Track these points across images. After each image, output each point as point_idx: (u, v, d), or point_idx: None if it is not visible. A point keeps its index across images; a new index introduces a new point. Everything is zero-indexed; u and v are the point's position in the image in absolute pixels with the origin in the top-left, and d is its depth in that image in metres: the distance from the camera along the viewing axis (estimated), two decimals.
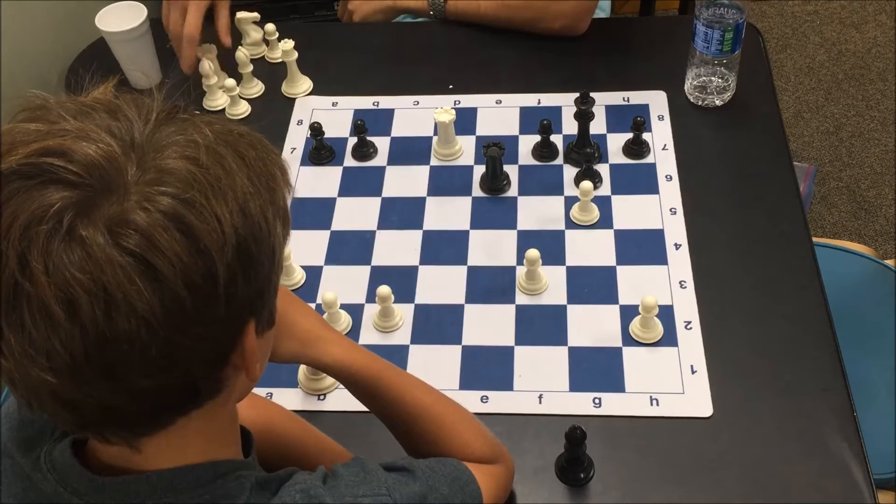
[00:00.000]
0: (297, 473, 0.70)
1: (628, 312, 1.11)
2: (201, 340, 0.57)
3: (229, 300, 0.57)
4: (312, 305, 1.14)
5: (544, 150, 1.31)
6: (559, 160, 1.31)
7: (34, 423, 0.69)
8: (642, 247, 1.18)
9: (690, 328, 1.09)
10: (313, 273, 1.19)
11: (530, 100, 1.41)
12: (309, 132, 1.34)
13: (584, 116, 1.26)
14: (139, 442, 0.62)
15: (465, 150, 1.33)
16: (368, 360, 0.87)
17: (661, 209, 1.23)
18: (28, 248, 0.53)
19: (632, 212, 1.23)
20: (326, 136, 1.34)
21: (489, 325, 1.12)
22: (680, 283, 1.14)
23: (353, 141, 1.35)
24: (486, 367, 1.07)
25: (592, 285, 1.15)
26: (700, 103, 1.36)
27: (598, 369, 1.06)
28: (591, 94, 1.25)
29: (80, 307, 0.53)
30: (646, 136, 1.31)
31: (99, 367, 0.55)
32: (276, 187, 0.63)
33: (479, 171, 1.30)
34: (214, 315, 0.57)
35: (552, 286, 1.15)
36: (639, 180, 1.27)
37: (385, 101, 1.43)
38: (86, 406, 0.57)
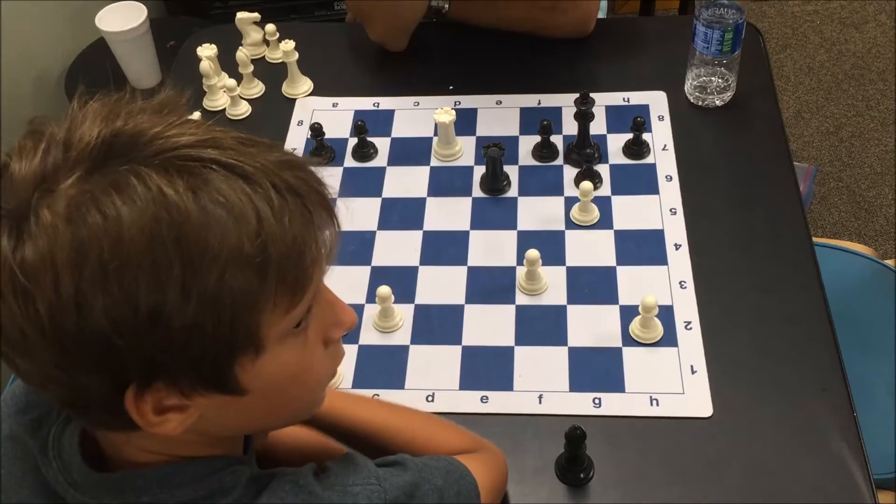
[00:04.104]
0: (287, 468, 0.70)
1: (628, 312, 1.11)
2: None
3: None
4: None
5: (544, 151, 1.31)
6: (559, 161, 1.31)
7: (40, 404, 0.70)
8: (642, 247, 1.18)
9: (690, 328, 1.09)
10: None
11: (530, 100, 1.41)
12: (309, 133, 1.34)
13: (584, 117, 1.26)
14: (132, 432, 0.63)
15: (465, 150, 1.33)
16: None
17: (661, 209, 1.23)
18: None
19: (632, 212, 1.23)
20: (327, 136, 1.34)
21: (489, 325, 1.12)
22: (680, 283, 1.14)
23: (353, 141, 1.36)
24: (486, 368, 1.07)
25: (592, 285, 1.15)
26: (700, 103, 1.36)
27: (598, 369, 1.06)
28: (591, 95, 1.26)
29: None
30: (646, 136, 1.31)
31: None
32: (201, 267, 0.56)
33: (480, 171, 1.30)
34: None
35: (552, 286, 1.15)
36: (639, 180, 1.27)
37: (385, 102, 1.43)
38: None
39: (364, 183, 1.31)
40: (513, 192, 1.27)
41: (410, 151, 1.35)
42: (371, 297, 1.14)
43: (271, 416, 0.69)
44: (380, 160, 1.34)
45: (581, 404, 1.03)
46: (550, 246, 1.19)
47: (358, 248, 1.22)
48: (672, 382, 1.04)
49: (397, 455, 0.77)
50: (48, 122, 0.59)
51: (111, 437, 0.66)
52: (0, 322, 0.56)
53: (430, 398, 1.05)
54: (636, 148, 1.30)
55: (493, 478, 0.87)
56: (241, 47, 1.48)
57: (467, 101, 1.41)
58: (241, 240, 0.56)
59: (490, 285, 1.16)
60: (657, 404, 1.02)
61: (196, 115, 1.42)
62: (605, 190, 1.26)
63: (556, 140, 1.32)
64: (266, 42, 1.52)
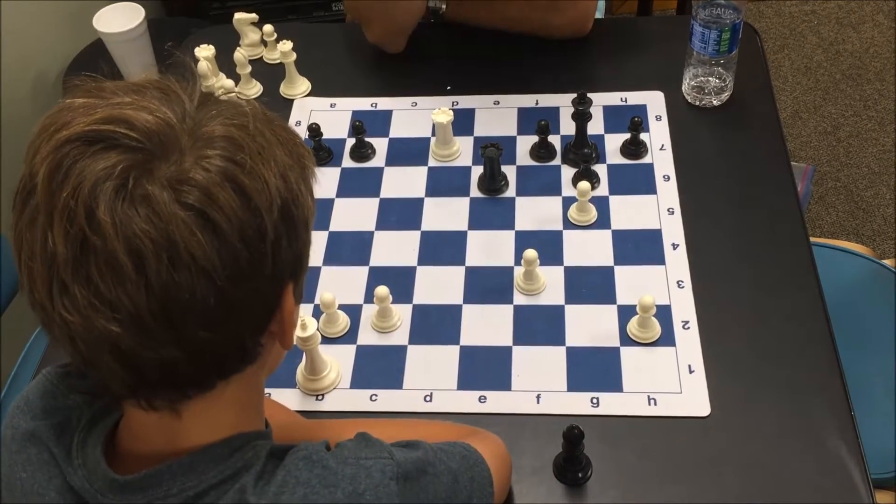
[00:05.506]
0: (300, 444, 0.72)
1: (626, 312, 1.11)
2: (252, 295, 0.62)
3: (275, 259, 0.62)
4: (311, 306, 1.14)
5: (542, 151, 1.31)
6: (557, 161, 1.31)
7: (58, 409, 0.71)
8: (640, 247, 1.18)
9: (688, 328, 1.09)
10: (311, 274, 1.19)
11: (528, 100, 1.41)
12: (307, 133, 1.34)
13: (581, 117, 1.26)
14: (182, 405, 0.64)
15: (463, 150, 1.34)
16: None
17: (659, 209, 1.23)
18: (96, 204, 0.56)
19: (629, 212, 1.23)
20: (325, 137, 1.34)
21: (487, 325, 1.12)
22: (678, 282, 1.14)
23: (351, 142, 1.36)
24: (484, 367, 1.07)
25: (590, 285, 1.15)
26: (697, 103, 1.37)
27: (595, 369, 1.06)
28: (589, 95, 1.26)
29: (147, 259, 0.56)
30: (643, 136, 1.31)
31: (161, 318, 0.58)
32: (306, 165, 0.68)
33: (477, 171, 1.30)
34: (263, 272, 0.62)
35: (550, 286, 1.15)
36: (636, 180, 1.27)
37: (383, 103, 1.43)
38: (144, 361, 0.60)
39: (362, 183, 1.31)
40: (510, 192, 1.27)
41: (408, 152, 1.35)
42: (369, 298, 1.14)
43: (280, 356, 0.74)
44: (378, 160, 1.34)
45: (579, 404, 1.03)
46: (548, 246, 1.19)
47: (356, 248, 1.22)
48: (670, 382, 1.04)
49: (412, 440, 0.78)
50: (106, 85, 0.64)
51: (152, 427, 0.66)
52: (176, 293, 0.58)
53: (428, 398, 1.05)
54: (634, 148, 1.30)
55: (496, 453, 0.87)
56: (238, 48, 1.48)
57: (465, 102, 1.41)
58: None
59: (488, 285, 1.16)
60: (655, 404, 1.02)
61: None
62: (603, 190, 1.26)
63: (554, 140, 1.32)
64: (264, 42, 1.52)
